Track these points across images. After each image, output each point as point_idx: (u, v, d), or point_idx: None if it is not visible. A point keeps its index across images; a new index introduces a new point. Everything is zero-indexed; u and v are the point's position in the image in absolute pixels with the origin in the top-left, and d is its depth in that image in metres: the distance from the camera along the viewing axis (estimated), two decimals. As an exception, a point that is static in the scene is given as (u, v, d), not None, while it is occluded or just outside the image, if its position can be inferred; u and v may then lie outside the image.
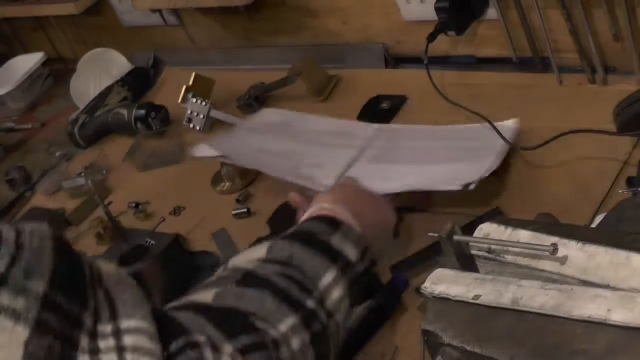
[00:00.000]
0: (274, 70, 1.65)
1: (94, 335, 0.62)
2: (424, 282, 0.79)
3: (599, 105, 1.18)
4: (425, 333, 0.73)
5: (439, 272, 0.77)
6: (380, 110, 1.41)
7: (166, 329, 0.67)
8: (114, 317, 0.65)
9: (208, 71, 1.71)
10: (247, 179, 1.40)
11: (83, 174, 1.62)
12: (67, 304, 0.62)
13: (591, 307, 0.62)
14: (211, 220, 1.35)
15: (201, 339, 0.69)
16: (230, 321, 0.73)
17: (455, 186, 1.07)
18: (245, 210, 1.33)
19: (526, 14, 1.28)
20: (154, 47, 1.98)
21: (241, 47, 1.80)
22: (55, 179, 1.66)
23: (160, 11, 1.83)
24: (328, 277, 0.81)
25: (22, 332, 0.58)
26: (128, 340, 0.63)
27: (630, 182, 1.01)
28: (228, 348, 0.70)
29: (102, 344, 0.63)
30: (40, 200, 1.64)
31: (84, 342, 0.62)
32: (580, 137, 1.13)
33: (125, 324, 0.65)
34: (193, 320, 0.71)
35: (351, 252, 0.85)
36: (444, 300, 0.73)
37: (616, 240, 0.67)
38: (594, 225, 0.95)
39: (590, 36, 1.21)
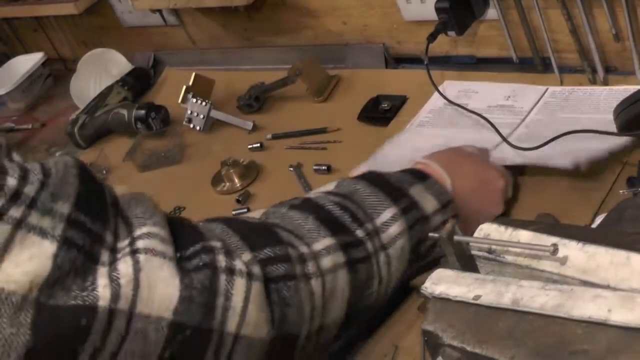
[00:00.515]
0: (274, 70, 1.65)
1: (114, 250, 0.69)
2: (424, 282, 0.79)
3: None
4: (425, 333, 0.73)
5: (439, 272, 0.76)
6: (380, 110, 1.41)
7: (187, 235, 0.74)
8: (130, 231, 0.71)
9: (208, 71, 1.71)
10: (247, 179, 1.40)
11: (83, 174, 1.62)
12: (91, 222, 0.68)
13: (591, 307, 0.62)
14: (211, 220, 1.35)
15: (216, 244, 0.74)
16: (258, 234, 0.77)
17: (567, 162, 1.04)
18: (245, 210, 1.33)
19: (526, 14, 1.28)
20: (154, 47, 1.98)
21: (241, 47, 1.80)
22: (55, 179, 1.66)
23: (160, 11, 1.83)
24: (387, 214, 0.85)
25: (49, 246, 0.65)
26: (140, 244, 0.70)
27: (630, 182, 1.01)
28: (246, 256, 0.75)
29: (120, 254, 0.69)
30: (40, 200, 1.64)
31: (105, 256, 0.68)
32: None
33: (138, 231, 0.71)
34: (220, 230, 0.77)
35: (429, 202, 0.88)
36: (444, 300, 0.73)
37: (616, 240, 0.67)
38: (594, 225, 0.95)
39: (590, 36, 1.21)
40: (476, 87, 1.35)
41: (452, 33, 1.35)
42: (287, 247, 0.77)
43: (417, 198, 0.88)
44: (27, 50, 2.28)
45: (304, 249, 0.78)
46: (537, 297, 0.66)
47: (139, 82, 1.86)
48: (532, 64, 1.33)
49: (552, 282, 0.68)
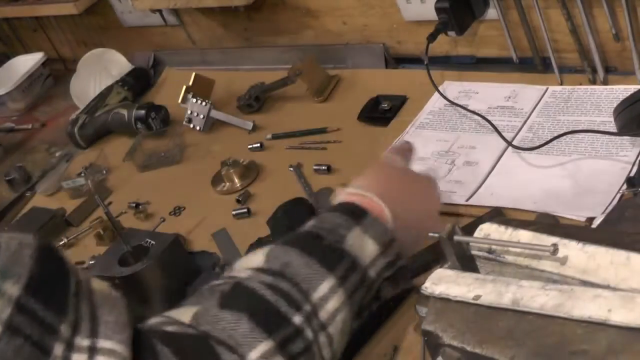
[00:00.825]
0: (274, 70, 1.65)
1: (70, 346, 0.63)
2: (424, 282, 0.79)
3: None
4: (425, 333, 0.73)
5: (439, 272, 0.76)
6: (380, 110, 1.41)
7: (144, 354, 0.68)
8: (94, 334, 0.65)
9: (208, 71, 1.71)
10: (247, 179, 1.40)
11: (83, 174, 1.62)
12: (43, 310, 0.62)
13: (591, 307, 0.62)
14: (211, 220, 1.35)
15: None
16: (194, 353, 0.72)
17: (580, 217, 1.01)
18: (245, 210, 1.33)
19: (526, 14, 1.28)
20: (154, 47, 1.98)
21: (241, 47, 1.80)
22: (55, 179, 1.66)
23: (160, 11, 1.83)
24: (324, 287, 0.79)
25: None
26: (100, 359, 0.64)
27: (630, 182, 1.01)
28: None
29: (75, 357, 0.63)
30: (40, 200, 1.64)
31: (58, 349, 0.62)
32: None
33: (102, 343, 0.65)
34: (161, 350, 0.71)
35: (369, 248, 0.82)
36: (444, 300, 0.73)
37: (616, 240, 0.67)
38: (594, 225, 0.95)
39: (590, 36, 1.21)
40: (476, 87, 1.35)
41: (452, 33, 1.35)
42: None
43: (356, 251, 0.82)
44: (27, 50, 2.28)
45: None
46: (537, 297, 0.66)
47: (139, 82, 1.86)
48: (532, 64, 1.33)
49: (552, 282, 0.68)
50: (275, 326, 0.75)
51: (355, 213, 0.84)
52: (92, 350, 0.64)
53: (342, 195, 0.89)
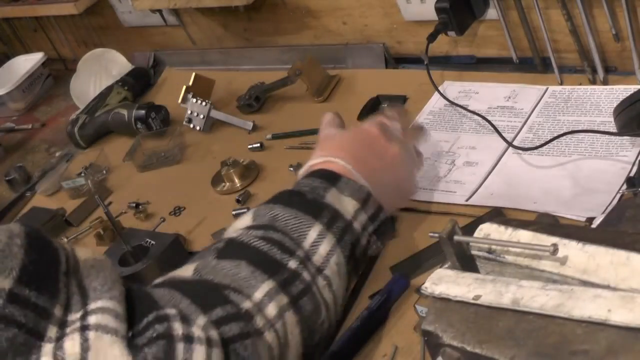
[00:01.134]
0: (274, 70, 1.65)
1: (63, 324, 0.64)
2: (424, 282, 0.79)
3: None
4: (425, 333, 0.73)
5: (439, 272, 0.76)
6: (380, 110, 1.41)
7: (141, 306, 0.69)
8: (85, 303, 0.66)
9: (208, 71, 1.71)
10: (247, 179, 1.40)
11: (83, 174, 1.62)
12: (36, 296, 0.63)
13: (591, 307, 0.62)
14: (211, 220, 1.35)
15: (171, 311, 0.69)
16: (204, 294, 0.73)
17: (580, 217, 1.01)
18: (245, 210, 1.33)
19: (526, 14, 1.28)
20: (154, 47, 1.98)
21: (241, 47, 1.80)
22: (55, 179, 1.66)
23: (160, 11, 1.83)
24: (313, 233, 0.82)
25: None
26: (92, 319, 0.65)
27: (630, 182, 1.01)
28: (201, 320, 0.71)
29: (69, 331, 0.64)
30: (40, 200, 1.64)
31: (51, 331, 0.63)
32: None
33: (92, 305, 0.66)
34: (169, 295, 0.72)
35: (349, 205, 0.85)
36: (444, 300, 0.73)
37: (616, 240, 0.67)
38: (594, 225, 0.95)
39: (590, 36, 1.21)
40: (476, 87, 1.35)
41: (452, 33, 1.35)
42: (235, 306, 0.73)
43: (337, 205, 0.85)
44: (27, 50, 2.29)
45: (246, 304, 0.74)
46: (537, 297, 0.66)
47: (139, 82, 1.86)
48: (532, 64, 1.33)
49: (552, 282, 0.68)
50: (273, 269, 0.78)
51: (327, 176, 0.88)
52: (84, 318, 0.65)
53: (312, 163, 0.92)
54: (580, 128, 1.15)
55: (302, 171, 0.93)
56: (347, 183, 0.87)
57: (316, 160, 0.92)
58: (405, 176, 0.96)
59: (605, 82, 1.23)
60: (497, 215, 1.06)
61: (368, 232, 0.88)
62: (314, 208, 0.84)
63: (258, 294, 0.75)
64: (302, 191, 0.86)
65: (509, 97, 1.29)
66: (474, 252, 0.77)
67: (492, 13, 1.33)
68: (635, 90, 1.05)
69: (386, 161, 0.95)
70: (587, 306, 0.62)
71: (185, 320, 0.69)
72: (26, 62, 2.14)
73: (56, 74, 2.19)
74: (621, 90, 1.18)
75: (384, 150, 0.96)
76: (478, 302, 0.70)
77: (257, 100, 1.60)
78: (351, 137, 0.97)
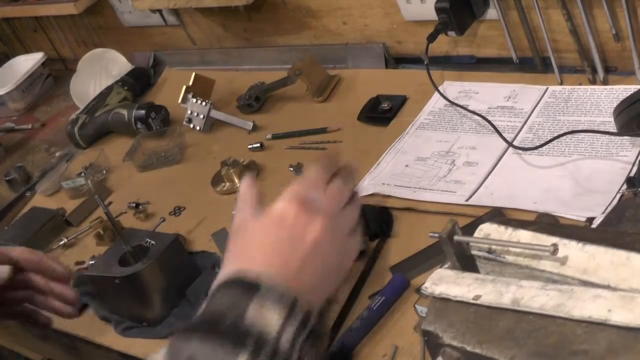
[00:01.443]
0: (274, 70, 1.65)
1: None
2: (424, 282, 0.79)
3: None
4: (425, 333, 0.73)
5: (439, 272, 0.76)
6: (380, 110, 1.41)
7: None
8: None
9: (208, 71, 1.71)
10: (247, 179, 1.40)
11: (83, 174, 1.62)
12: None
13: (591, 307, 0.62)
14: (211, 220, 1.35)
15: None
16: None
17: (580, 217, 1.01)
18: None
19: (526, 14, 1.28)
20: (154, 47, 1.98)
21: (241, 47, 1.80)
22: (55, 179, 1.66)
23: (160, 11, 1.83)
24: None
25: None
26: None
27: (630, 182, 1.01)
28: None
29: None
30: (40, 200, 1.64)
31: None
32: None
33: None
34: None
35: (273, 317, 0.75)
36: (444, 300, 0.73)
37: (616, 240, 0.67)
38: (594, 225, 0.95)
39: (590, 36, 1.20)
40: (476, 87, 1.35)
41: (452, 33, 1.35)
42: None
43: (259, 327, 0.75)
44: (27, 50, 2.29)
45: None
46: (537, 297, 0.66)
47: (139, 82, 1.86)
48: (532, 64, 1.33)
49: (552, 282, 0.68)
50: None
51: (248, 287, 0.77)
52: None
53: (227, 271, 0.80)
54: (580, 128, 1.15)
55: (217, 281, 0.79)
56: (268, 291, 0.77)
57: (231, 268, 0.80)
58: (333, 257, 0.82)
59: (605, 82, 1.23)
60: (497, 215, 1.05)
61: (299, 344, 0.76)
62: (234, 336, 0.74)
63: None
64: (220, 313, 0.76)
65: (509, 97, 1.29)
66: (474, 252, 0.77)
67: (492, 13, 1.33)
68: (635, 90, 1.05)
69: (308, 249, 0.81)
70: (587, 306, 0.62)
71: None
72: (26, 62, 2.14)
73: (56, 74, 2.19)
74: (621, 90, 1.18)
75: (305, 233, 0.82)
76: (478, 302, 0.70)
77: (257, 100, 1.60)
78: (265, 229, 0.85)
